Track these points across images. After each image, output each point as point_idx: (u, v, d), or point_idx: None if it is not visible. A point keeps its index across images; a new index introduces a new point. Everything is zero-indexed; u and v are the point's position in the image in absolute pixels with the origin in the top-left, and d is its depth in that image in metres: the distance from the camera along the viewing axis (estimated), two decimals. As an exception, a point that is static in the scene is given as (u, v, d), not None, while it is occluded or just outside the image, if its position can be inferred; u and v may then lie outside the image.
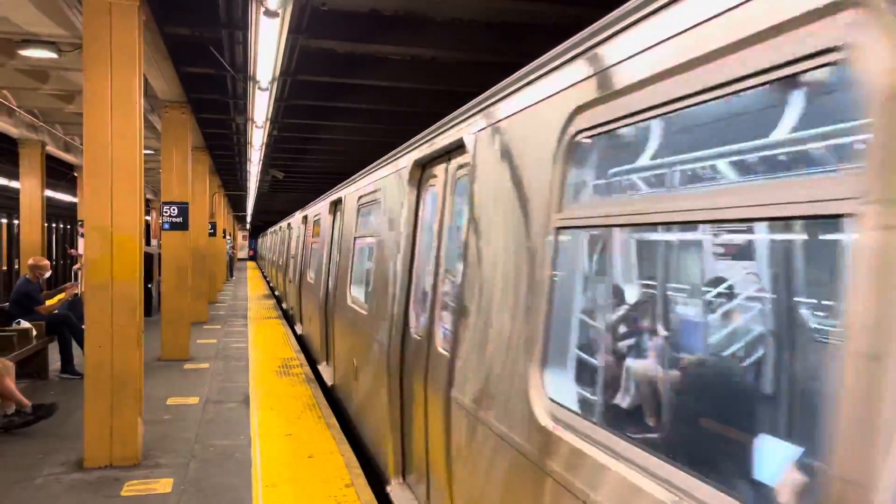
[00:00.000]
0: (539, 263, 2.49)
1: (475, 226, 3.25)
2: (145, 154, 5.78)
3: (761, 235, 2.51)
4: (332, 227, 9.15)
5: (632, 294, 2.95)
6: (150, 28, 6.61)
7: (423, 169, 4.60)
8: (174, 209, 10.41)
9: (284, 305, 17.38)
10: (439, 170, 4.24)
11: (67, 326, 8.85)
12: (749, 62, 1.54)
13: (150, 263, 14.09)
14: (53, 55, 8.14)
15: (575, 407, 2.37)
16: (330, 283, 8.55)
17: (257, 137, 12.45)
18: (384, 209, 5.57)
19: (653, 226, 2.36)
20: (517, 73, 2.98)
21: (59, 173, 19.23)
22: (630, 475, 1.84)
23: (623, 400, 2.60)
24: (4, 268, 25.19)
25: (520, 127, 2.87)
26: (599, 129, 2.23)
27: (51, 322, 8.77)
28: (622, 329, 2.87)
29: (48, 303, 9.14)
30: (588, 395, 2.58)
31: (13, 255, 24.53)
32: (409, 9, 7.48)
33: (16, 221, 21.48)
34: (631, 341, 2.79)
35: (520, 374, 2.54)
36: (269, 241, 32.39)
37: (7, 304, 9.04)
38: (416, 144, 4.66)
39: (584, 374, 2.61)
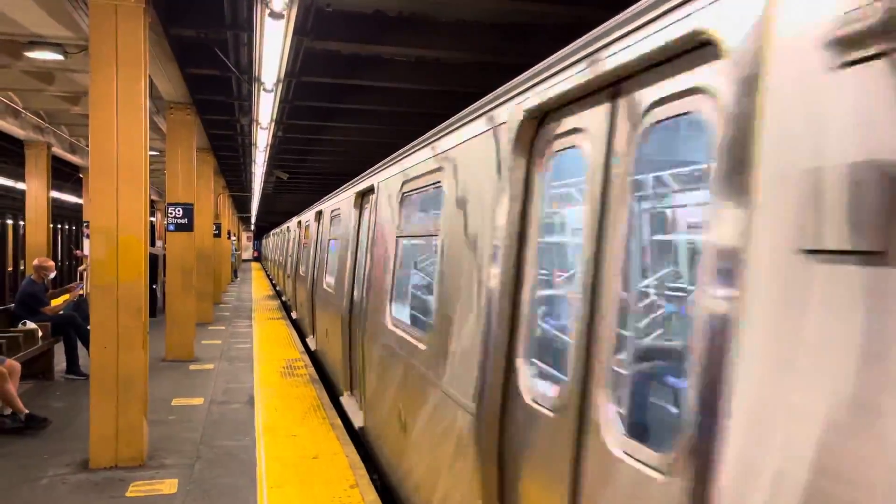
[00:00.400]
0: (391, 254, 5.25)
1: (375, 235, 6.03)
2: (150, 155, 5.80)
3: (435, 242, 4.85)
4: (316, 231, 11.46)
5: (415, 266, 5.88)
6: (155, 29, 6.64)
7: (361, 197, 7.23)
8: (179, 210, 10.45)
9: (284, 298, 19.07)
10: (368, 200, 6.85)
11: (73, 327, 8.88)
12: (429, 179, 4.37)
13: (155, 264, 14.14)
14: (59, 57, 8.18)
15: (399, 316, 5.03)
16: (315, 274, 10.80)
17: (262, 139, 12.49)
18: (343, 221, 8.27)
19: (418, 237, 5.27)
20: (391, 156, 5.91)
21: (65, 174, 19.31)
22: (410, 338, 4.38)
23: (412, 310, 5.25)
24: (10, 269, 25.30)
25: (389, 185, 5.63)
26: (407, 194, 5.04)
27: (56, 323, 8.80)
28: (413, 282, 5.73)
29: (53, 303, 9.17)
30: (402, 310, 5.21)
31: (19, 256, 24.64)
32: (414, 10, 7.49)
33: (21, 222, 21.56)
34: (414, 285, 5.69)
35: (384, 307, 5.21)
36: (273, 242, 32.72)
37: (13, 305, 9.08)
38: (357, 182, 7.48)
39: (403, 301, 5.32)
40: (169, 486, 5.09)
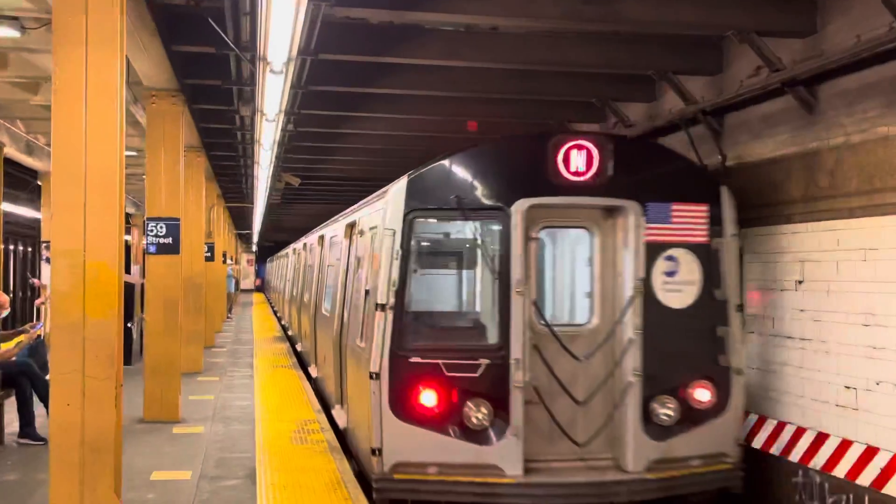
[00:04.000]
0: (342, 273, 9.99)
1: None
2: (126, 156, 5.93)
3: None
4: (349, 250, 12.21)
5: None
6: (134, -3, 6.82)
7: (351, 229, 10.00)
8: (161, 227, 10.62)
9: (300, 348, 18.42)
10: (354, 230, 9.76)
11: (28, 378, 9.06)
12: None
13: (131, 297, 14.40)
14: (15, 33, 8.45)
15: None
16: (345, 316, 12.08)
17: (268, 134, 12.67)
18: (337, 249, 11.20)
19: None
20: (360, 202, 10.29)
21: (20, 181, 19.90)
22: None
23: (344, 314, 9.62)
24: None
25: (345, 225, 10.20)
26: (355, 234, 9.62)
27: (7, 372, 8.99)
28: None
29: (3, 347, 9.39)
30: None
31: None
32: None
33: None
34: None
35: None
36: (281, 266, 33.03)
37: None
38: (347, 215, 10.64)
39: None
40: (147, 586, 5.13)
